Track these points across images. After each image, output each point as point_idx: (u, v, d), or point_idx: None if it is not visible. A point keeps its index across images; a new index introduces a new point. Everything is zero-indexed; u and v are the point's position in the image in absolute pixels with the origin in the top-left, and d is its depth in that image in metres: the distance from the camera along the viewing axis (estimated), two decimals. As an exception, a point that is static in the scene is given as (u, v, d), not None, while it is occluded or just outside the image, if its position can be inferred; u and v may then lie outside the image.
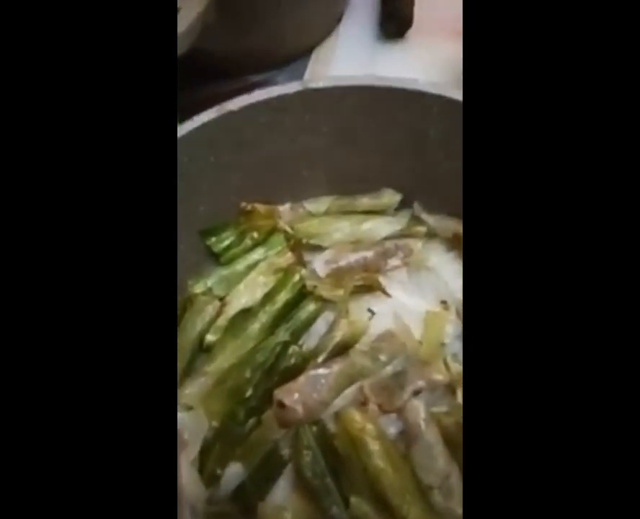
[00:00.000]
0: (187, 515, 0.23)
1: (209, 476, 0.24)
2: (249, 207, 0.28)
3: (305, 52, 0.40)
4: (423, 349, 0.25)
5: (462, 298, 0.26)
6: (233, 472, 0.24)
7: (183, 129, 0.25)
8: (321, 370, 0.24)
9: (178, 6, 0.28)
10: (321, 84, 0.24)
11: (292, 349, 0.25)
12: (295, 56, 0.40)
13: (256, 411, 0.25)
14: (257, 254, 0.29)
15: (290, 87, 0.25)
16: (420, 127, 0.24)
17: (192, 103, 0.26)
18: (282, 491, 0.24)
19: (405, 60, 0.35)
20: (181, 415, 0.25)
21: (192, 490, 0.23)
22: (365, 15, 0.39)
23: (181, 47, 0.29)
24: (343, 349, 0.25)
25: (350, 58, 0.37)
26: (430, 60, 0.34)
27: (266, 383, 0.25)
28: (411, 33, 0.37)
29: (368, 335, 0.26)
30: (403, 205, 0.28)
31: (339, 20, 0.40)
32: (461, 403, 0.24)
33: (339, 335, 0.26)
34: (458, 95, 0.23)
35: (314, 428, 0.24)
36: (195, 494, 0.23)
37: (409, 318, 0.26)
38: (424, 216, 0.28)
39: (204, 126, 0.25)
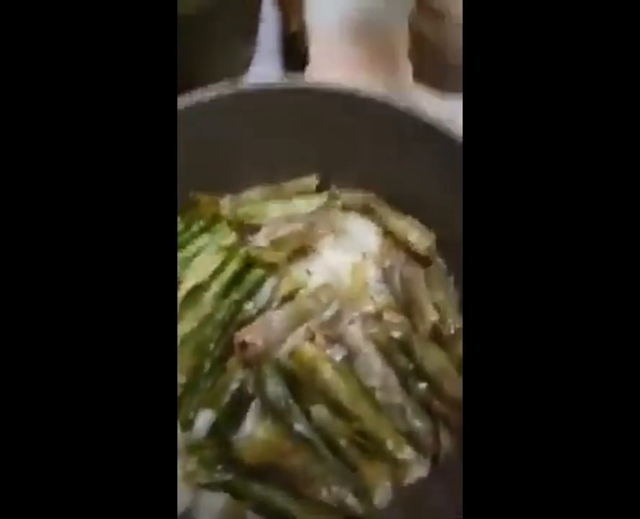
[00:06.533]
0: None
1: (184, 421, 0.27)
2: (195, 197, 0.33)
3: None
4: (352, 290, 0.31)
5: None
6: (206, 417, 0.27)
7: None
8: (273, 314, 0.29)
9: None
10: (250, 87, 0.30)
11: (246, 304, 0.30)
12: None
13: (220, 361, 0.28)
14: (204, 239, 0.33)
15: (226, 88, 0.30)
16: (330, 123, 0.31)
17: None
18: (251, 423, 0.27)
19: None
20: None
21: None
22: (272, 56, 0.47)
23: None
24: (289, 298, 0.30)
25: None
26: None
27: (226, 336, 0.29)
28: (311, 70, 0.45)
29: (307, 289, 0.31)
30: (323, 187, 0.35)
31: (249, 63, 0.47)
32: (388, 322, 0.30)
33: (284, 290, 0.31)
34: (362, 94, 0.29)
35: (273, 362, 0.28)
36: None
37: (339, 272, 0.32)
38: (340, 194, 0.34)
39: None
